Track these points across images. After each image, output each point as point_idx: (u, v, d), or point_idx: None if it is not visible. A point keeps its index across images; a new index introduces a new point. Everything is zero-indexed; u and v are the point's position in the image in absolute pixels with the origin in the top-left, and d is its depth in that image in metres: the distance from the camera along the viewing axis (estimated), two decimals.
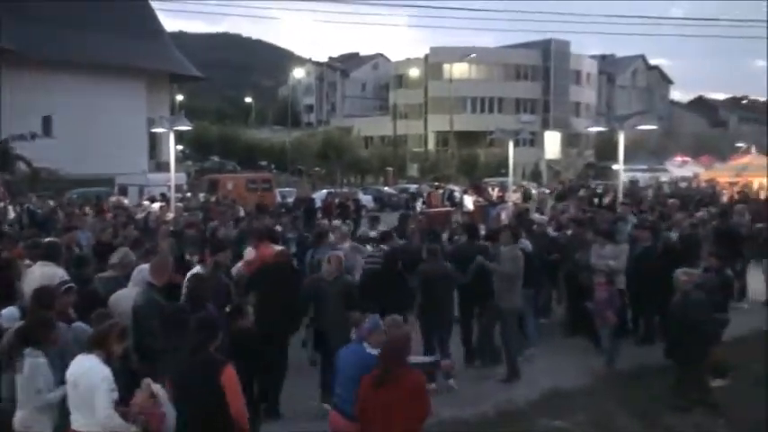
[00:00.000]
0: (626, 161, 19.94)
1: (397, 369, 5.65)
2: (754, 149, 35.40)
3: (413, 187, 45.17)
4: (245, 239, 11.62)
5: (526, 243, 11.33)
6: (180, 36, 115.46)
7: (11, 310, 6.80)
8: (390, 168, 59.19)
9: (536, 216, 14.92)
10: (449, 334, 9.98)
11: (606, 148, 55.54)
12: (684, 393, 8.80)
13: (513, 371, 10.04)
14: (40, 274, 7.76)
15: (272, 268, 9.26)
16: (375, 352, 6.03)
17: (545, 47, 75.51)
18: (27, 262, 8.64)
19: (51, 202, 18.89)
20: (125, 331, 5.99)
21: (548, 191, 33.13)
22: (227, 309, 7.13)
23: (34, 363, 5.78)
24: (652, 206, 18.08)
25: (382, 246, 10.93)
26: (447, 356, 9.51)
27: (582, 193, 26.51)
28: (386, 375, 5.64)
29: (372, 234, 13.52)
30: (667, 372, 9.93)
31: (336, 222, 14.56)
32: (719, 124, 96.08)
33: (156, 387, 5.73)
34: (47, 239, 9.40)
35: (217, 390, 5.43)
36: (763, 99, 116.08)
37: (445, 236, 13.65)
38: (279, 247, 10.50)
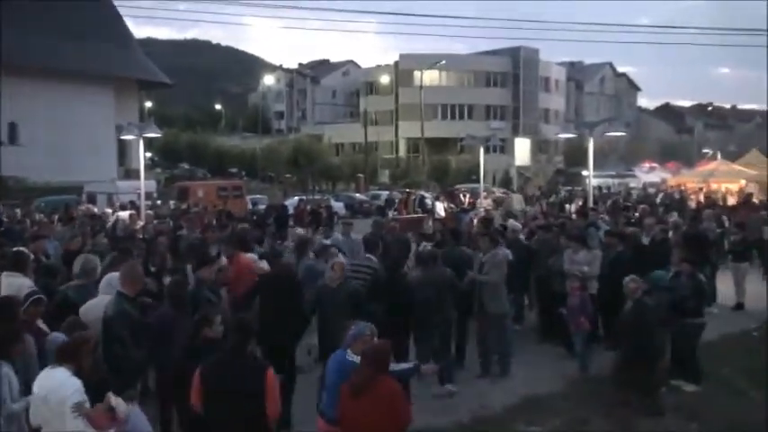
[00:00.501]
0: (595, 167, 20.09)
1: (374, 377, 5.62)
2: (719, 156, 35.86)
3: (384, 194, 45.21)
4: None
5: (506, 251, 11.32)
6: (148, 43, 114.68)
7: None
8: (361, 175, 59.23)
9: (511, 222, 14.92)
10: (447, 339, 9.91)
11: (575, 155, 56.06)
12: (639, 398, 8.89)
13: (506, 371, 10.40)
14: (6, 284, 7.60)
15: (274, 278, 9.21)
16: (356, 359, 6.02)
17: (514, 54, 76.10)
18: None
19: (18, 211, 18.57)
20: (96, 344, 5.89)
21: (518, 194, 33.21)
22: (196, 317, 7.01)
23: None
24: (621, 210, 18.24)
25: (368, 255, 10.69)
26: (445, 361, 9.50)
27: (552, 199, 26.69)
28: (363, 384, 5.62)
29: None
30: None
31: (300, 230, 14.30)
32: (686, 130, 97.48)
33: (117, 401, 5.65)
34: (13, 249, 9.20)
35: (260, 392, 5.54)
36: (727, 106, 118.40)
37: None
38: (253, 256, 10.41)
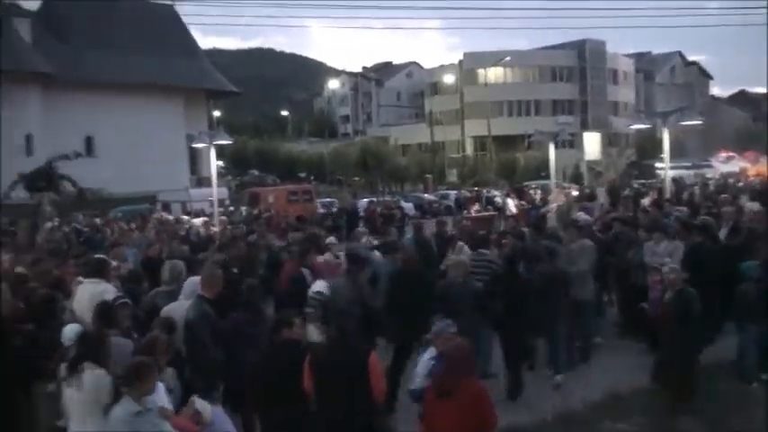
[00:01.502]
0: (670, 159, 19.57)
1: (457, 379, 5.55)
2: None
3: (453, 193, 44.93)
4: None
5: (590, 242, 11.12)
6: (214, 53, 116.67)
7: (72, 327, 6.79)
8: (429, 175, 59.07)
9: (581, 215, 14.63)
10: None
11: (647, 147, 54.80)
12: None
13: (586, 358, 10.52)
14: (90, 290, 7.77)
15: (404, 274, 9.43)
16: (426, 355, 6.16)
17: (580, 47, 75.02)
18: (79, 278, 8.65)
19: (98, 221, 19.10)
20: (170, 343, 5.95)
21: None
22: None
23: (96, 376, 5.69)
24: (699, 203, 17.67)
25: (481, 250, 10.69)
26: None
27: (627, 192, 26.07)
28: (447, 387, 5.58)
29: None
30: (727, 370, 9.73)
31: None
32: (762, 118, 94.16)
33: (202, 404, 5.70)
34: (95, 256, 9.43)
35: (365, 371, 5.85)
36: None
37: None
38: (327, 257, 10.43)
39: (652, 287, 10.28)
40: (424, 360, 6.34)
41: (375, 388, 5.95)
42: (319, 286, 8.84)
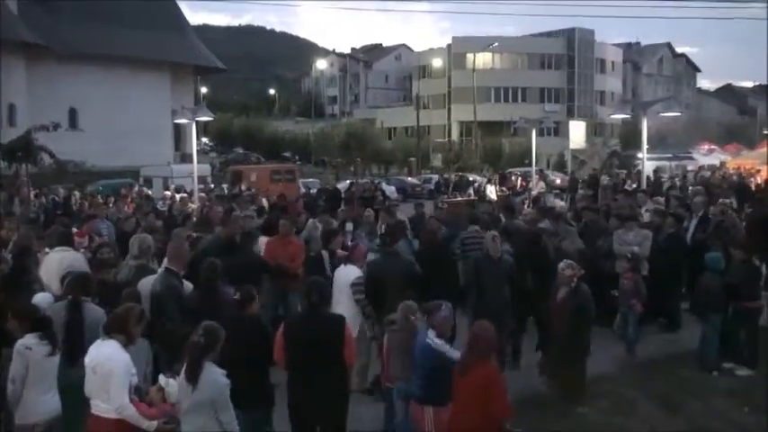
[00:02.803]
0: (652, 150, 19.76)
1: (473, 359, 5.75)
2: None
3: (435, 177, 45.04)
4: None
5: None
6: (203, 29, 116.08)
7: (43, 296, 6.84)
8: (413, 159, 59.09)
9: (556, 202, 14.78)
10: None
11: (632, 137, 54.96)
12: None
13: None
14: (58, 258, 7.81)
15: (427, 250, 9.85)
16: (435, 341, 6.16)
17: (569, 35, 75.01)
18: (45, 250, 8.68)
19: (77, 193, 19.06)
20: (143, 313, 6.02)
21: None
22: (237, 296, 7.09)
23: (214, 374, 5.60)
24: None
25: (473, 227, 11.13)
26: None
27: (606, 181, 26.26)
28: (465, 365, 5.80)
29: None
30: (689, 359, 9.93)
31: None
32: (748, 112, 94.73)
33: (168, 382, 5.78)
34: (60, 227, 9.45)
35: (339, 341, 6.30)
36: None
37: None
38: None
39: (623, 276, 10.45)
40: (439, 343, 6.23)
41: (347, 355, 6.40)
42: (354, 272, 8.91)
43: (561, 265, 8.38)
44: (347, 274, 8.94)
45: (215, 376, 5.43)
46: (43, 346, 5.80)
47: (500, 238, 9.60)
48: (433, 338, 6.21)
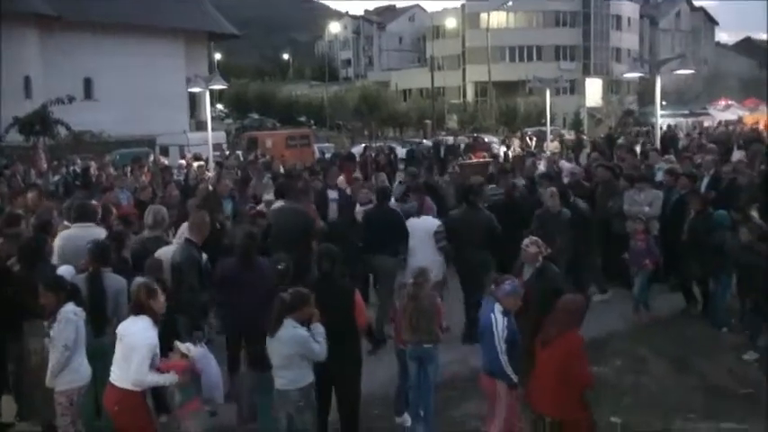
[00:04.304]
0: (669, 106, 19.65)
1: (557, 330, 5.73)
2: None
3: (450, 139, 44.88)
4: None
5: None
6: None
7: (66, 268, 7.01)
8: (429, 121, 58.86)
9: (565, 164, 14.78)
10: None
11: (649, 94, 54.35)
12: None
13: None
14: (78, 235, 7.87)
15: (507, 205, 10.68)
16: (500, 316, 6.18)
17: None
18: (65, 223, 8.74)
19: (93, 164, 19.26)
20: (159, 284, 6.20)
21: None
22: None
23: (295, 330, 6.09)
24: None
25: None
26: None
27: (621, 141, 26.13)
28: (547, 335, 5.79)
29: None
30: (699, 318, 10.05)
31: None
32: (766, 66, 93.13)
33: (187, 346, 6.03)
34: (79, 201, 9.45)
35: (350, 307, 6.68)
36: None
37: None
38: None
39: (634, 237, 10.53)
40: (499, 321, 6.22)
41: (359, 321, 6.83)
42: (432, 222, 9.81)
43: (525, 241, 7.74)
44: (425, 223, 9.68)
45: (294, 331, 5.92)
46: (81, 312, 6.11)
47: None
48: (496, 313, 6.21)
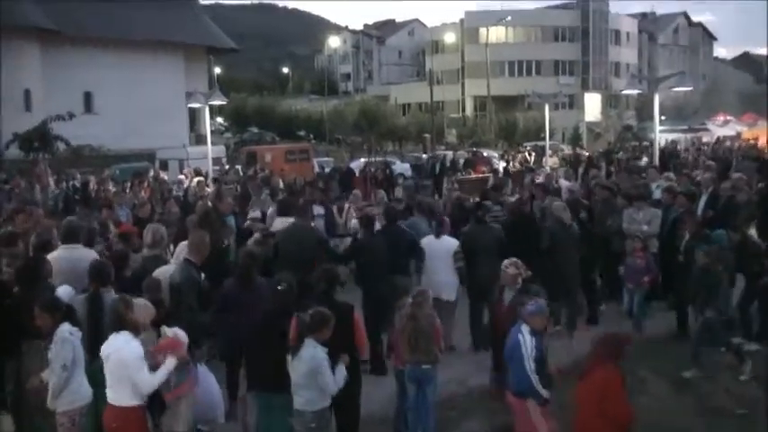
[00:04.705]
0: (668, 121, 19.70)
1: (593, 364, 5.68)
2: None
3: (449, 154, 44.88)
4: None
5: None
6: (215, 7, 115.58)
7: (64, 289, 6.98)
8: (428, 135, 58.89)
9: (564, 183, 14.80)
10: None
11: (647, 109, 54.47)
12: None
13: (572, 326, 10.66)
14: (66, 257, 7.69)
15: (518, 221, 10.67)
16: (527, 338, 6.12)
17: (583, 7, 74.19)
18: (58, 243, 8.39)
19: (92, 178, 19.27)
20: (154, 304, 6.23)
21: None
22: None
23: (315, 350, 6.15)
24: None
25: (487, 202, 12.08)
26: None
27: (619, 155, 26.18)
28: (586, 368, 5.75)
29: None
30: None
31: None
32: (765, 80, 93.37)
33: (173, 330, 6.12)
34: (67, 221, 8.94)
35: (350, 327, 6.67)
36: None
37: None
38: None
39: (633, 255, 10.58)
40: (527, 341, 6.16)
41: (358, 341, 6.78)
42: (452, 242, 9.90)
43: (505, 262, 7.70)
44: (446, 244, 9.83)
45: (314, 351, 6.00)
46: (77, 332, 6.11)
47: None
48: (524, 333, 6.14)
